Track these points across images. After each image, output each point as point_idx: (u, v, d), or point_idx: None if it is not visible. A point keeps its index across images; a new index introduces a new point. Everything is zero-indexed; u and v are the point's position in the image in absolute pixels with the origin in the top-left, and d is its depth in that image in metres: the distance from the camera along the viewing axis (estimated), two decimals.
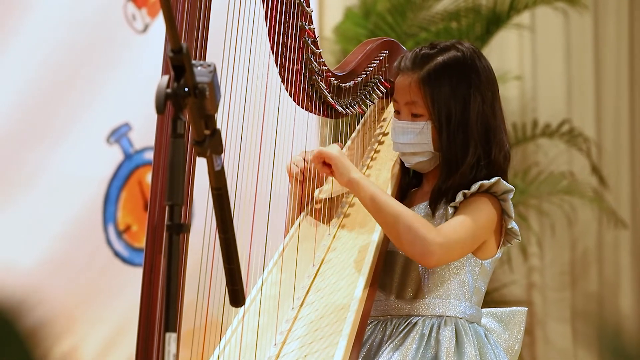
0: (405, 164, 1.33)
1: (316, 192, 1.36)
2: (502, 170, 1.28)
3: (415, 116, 1.29)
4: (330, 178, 1.39)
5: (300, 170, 1.31)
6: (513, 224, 1.28)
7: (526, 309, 1.37)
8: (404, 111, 1.30)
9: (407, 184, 1.35)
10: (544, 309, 2.95)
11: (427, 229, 1.22)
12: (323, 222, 1.34)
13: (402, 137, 1.29)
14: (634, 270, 2.98)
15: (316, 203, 1.35)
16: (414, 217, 1.24)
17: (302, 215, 1.34)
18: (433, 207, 1.28)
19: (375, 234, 1.28)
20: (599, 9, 2.97)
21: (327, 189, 1.38)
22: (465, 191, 1.25)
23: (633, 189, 2.98)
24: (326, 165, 1.27)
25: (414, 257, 1.24)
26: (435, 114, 1.27)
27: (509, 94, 2.93)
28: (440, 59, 1.28)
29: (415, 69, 1.28)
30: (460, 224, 1.23)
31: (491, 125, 1.27)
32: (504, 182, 1.27)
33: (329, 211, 1.35)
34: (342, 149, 1.30)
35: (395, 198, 1.32)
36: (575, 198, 2.88)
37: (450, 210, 1.26)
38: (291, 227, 1.33)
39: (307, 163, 1.32)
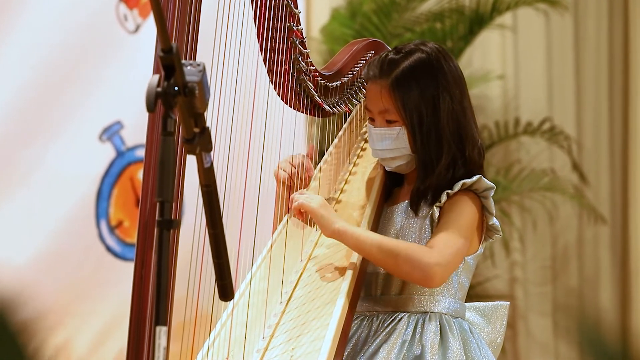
0: (386, 168, 1.34)
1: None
2: (479, 165, 1.30)
3: (389, 122, 1.30)
4: (318, 175, 1.41)
5: (289, 175, 1.32)
6: (494, 220, 1.30)
7: (508, 303, 1.39)
8: (378, 119, 1.31)
9: (391, 183, 1.36)
10: (526, 303, 2.99)
11: (421, 254, 1.23)
12: (310, 219, 1.36)
13: (379, 143, 1.31)
14: (613, 265, 3.02)
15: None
16: (407, 247, 1.24)
17: (290, 212, 1.37)
18: (414, 208, 1.30)
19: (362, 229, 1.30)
20: (579, 10, 3.02)
21: (315, 186, 1.41)
22: (449, 191, 1.27)
23: (612, 185, 3.03)
24: (303, 214, 1.28)
25: (418, 283, 1.25)
26: (407, 118, 1.28)
27: (492, 92, 2.97)
28: (406, 63, 1.29)
29: (383, 76, 1.29)
30: (451, 235, 1.24)
31: (462, 123, 1.29)
32: (485, 180, 1.28)
33: None
34: (323, 201, 1.28)
35: (381, 195, 1.35)
36: (556, 194, 2.91)
37: (437, 210, 1.27)
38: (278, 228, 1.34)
39: (295, 167, 1.32)
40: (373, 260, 1.26)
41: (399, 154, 1.31)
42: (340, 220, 1.26)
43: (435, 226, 1.27)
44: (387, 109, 1.30)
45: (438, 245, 1.24)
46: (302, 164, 1.33)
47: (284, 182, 1.33)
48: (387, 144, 1.31)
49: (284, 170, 1.33)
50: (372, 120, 1.33)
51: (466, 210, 1.27)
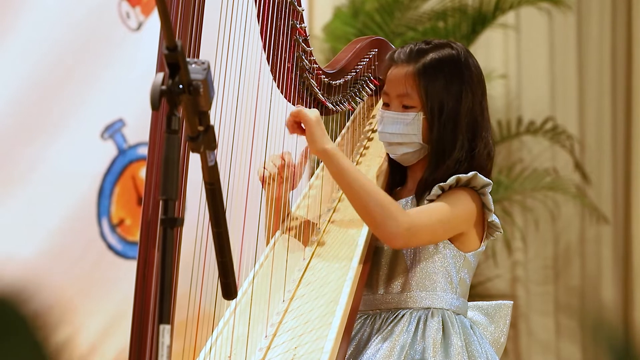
0: (391, 155, 1.34)
1: (305, 188, 1.38)
2: (483, 166, 1.30)
3: (406, 108, 1.30)
4: (321, 174, 1.42)
5: (271, 174, 1.30)
6: (494, 217, 1.30)
7: (511, 302, 1.38)
8: (395, 103, 1.31)
9: (393, 182, 1.36)
10: (528, 303, 2.99)
11: (397, 211, 1.23)
12: (313, 218, 1.36)
13: (390, 127, 1.30)
14: (615, 265, 3.02)
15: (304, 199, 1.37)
16: (386, 197, 1.24)
17: (293, 210, 1.36)
18: (419, 198, 1.29)
19: (364, 228, 1.29)
20: (582, 10, 3.01)
21: (317, 184, 1.41)
22: (442, 184, 1.27)
23: (615, 185, 3.03)
24: (300, 128, 1.25)
25: (381, 237, 1.24)
26: (428, 105, 1.28)
27: (495, 92, 2.96)
28: (435, 54, 1.30)
29: (410, 61, 1.30)
30: (432, 210, 1.25)
31: (479, 121, 1.30)
32: (481, 176, 1.28)
33: (319, 206, 1.37)
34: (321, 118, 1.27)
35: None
36: (558, 194, 2.91)
37: (427, 204, 1.27)
38: (270, 233, 1.33)
39: (276, 165, 1.29)
40: (348, 195, 1.24)
41: (407, 140, 1.31)
42: (332, 142, 1.25)
43: None
44: (407, 93, 1.30)
45: (414, 214, 1.24)
46: (284, 162, 1.30)
47: (267, 182, 1.32)
48: (398, 128, 1.30)
49: (265, 169, 1.31)
50: (386, 105, 1.33)
51: (461, 202, 1.27)
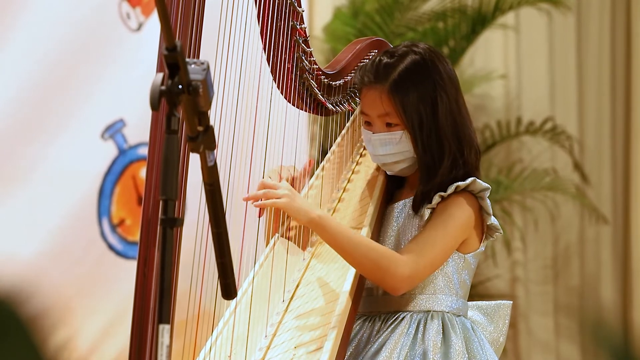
0: (388, 172, 1.34)
1: (305, 189, 1.38)
2: (475, 167, 1.30)
3: (389, 125, 1.30)
4: (321, 173, 1.42)
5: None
6: (493, 220, 1.30)
7: (511, 302, 1.39)
8: (378, 123, 1.30)
9: (391, 184, 1.36)
10: (527, 303, 2.99)
11: (396, 264, 1.23)
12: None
13: (382, 149, 1.30)
14: (615, 265, 3.02)
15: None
16: (379, 252, 1.24)
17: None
18: (416, 209, 1.30)
19: (365, 228, 1.30)
20: (582, 10, 3.02)
21: (317, 184, 1.41)
22: (442, 193, 1.27)
23: (614, 185, 3.03)
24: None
25: (385, 289, 1.26)
26: (408, 121, 1.28)
27: (494, 92, 2.97)
28: (402, 66, 1.29)
29: (380, 80, 1.29)
30: (431, 242, 1.25)
31: (458, 121, 1.29)
32: (479, 181, 1.29)
33: (319, 207, 1.37)
34: (291, 181, 1.23)
35: (383, 195, 1.35)
36: (557, 194, 2.92)
37: (427, 212, 1.27)
38: (270, 233, 1.33)
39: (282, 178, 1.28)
40: (344, 257, 1.25)
41: (402, 158, 1.31)
42: (315, 209, 1.24)
43: (422, 226, 1.28)
44: (387, 113, 1.30)
45: (414, 253, 1.25)
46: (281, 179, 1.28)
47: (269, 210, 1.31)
48: (390, 148, 1.30)
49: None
50: (368, 124, 1.32)
51: (457, 213, 1.27)
